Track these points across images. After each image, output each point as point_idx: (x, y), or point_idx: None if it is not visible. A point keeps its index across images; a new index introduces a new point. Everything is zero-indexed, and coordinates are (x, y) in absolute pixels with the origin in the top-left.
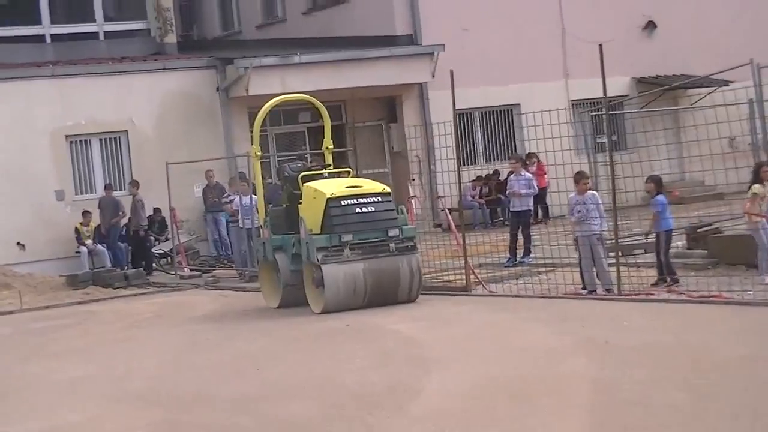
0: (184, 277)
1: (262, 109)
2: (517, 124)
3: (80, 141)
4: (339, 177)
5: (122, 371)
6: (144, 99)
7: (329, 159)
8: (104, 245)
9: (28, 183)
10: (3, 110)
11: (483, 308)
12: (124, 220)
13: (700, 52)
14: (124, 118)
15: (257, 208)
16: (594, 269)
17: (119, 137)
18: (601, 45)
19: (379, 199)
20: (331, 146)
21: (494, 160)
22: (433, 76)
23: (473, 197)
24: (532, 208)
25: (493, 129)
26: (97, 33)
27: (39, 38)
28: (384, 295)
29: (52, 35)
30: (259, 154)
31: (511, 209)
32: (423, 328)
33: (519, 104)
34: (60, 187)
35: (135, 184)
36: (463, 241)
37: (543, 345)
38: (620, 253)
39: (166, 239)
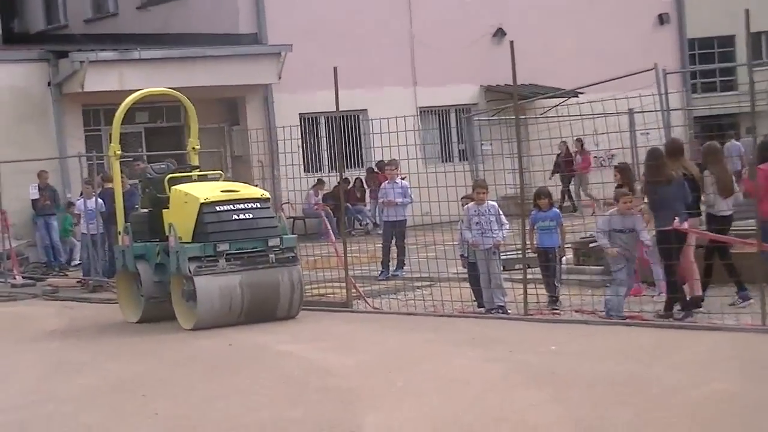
0: (16, 286)
1: (123, 103)
2: (365, 131)
3: None
4: (209, 180)
5: None
6: None
7: (196, 160)
8: None
9: None
10: None
11: (375, 327)
12: None
13: (550, 62)
14: None
15: (109, 213)
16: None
17: None
18: None
19: (258, 205)
20: (198, 146)
21: (337, 168)
22: (280, 78)
23: (316, 205)
24: (407, 218)
25: (339, 135)
26: None
27: None
28: (262, 310)
29: None
30: (118, 153)
31: (384, 219)
32: (320, 350)
33: (366, 110)
34: None
35: None
36: (345, 251)
37: (479, 375)
38: (523, 268)
39: None
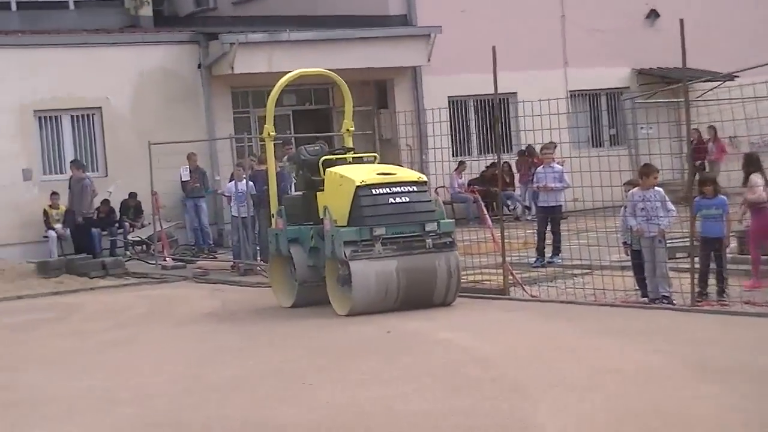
0: (166, 268)
1: (278, 84)
2: (513, 114)
3: (50, 117)
4: (363, 163)
5: (134, 386)
6: (120, 74)
7: (350, 142)
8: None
9: None
10: None
11: (533, 315)
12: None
13: (704, 44)
14: (98, 95)
15: (259, 196)
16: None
17: (92, 114)
18: None
19: (415, 188)
20: (352, 128)
21: (489, 152)
22: (429, 60)
23: (464, 189)
24: (563, 204)
25: (488, 119)
26: (66, 2)
27: (4, 5)
28: (418, 297)
29: (17, 2)
30: (273, 134)
31: (539, 204)
32: (479, 338)
33: (516, 93)
34: (27, 166)
35: (77, 164)
36: (502, 237)
37: (642, 366)
38: (690, 257)
39: (142, 226)
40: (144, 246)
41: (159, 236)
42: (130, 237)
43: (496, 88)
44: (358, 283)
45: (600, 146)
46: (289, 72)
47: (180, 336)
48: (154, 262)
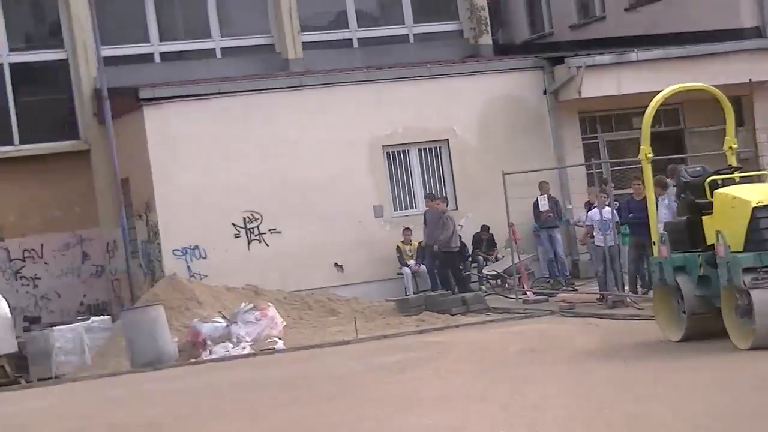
0: (528, 302)
1: (653, 101)
2: None
3: (398, 152)
4: (752, 182)
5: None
6: (466, 104)
7: (734, 161)
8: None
9: (345, 199)
10: (318, 119)
11: None
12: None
13: None
14: (445, 126)
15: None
16: None
17: (439, 147)
18: None
19: None
20: (735, 146)
21: None
22: None
23: None
24: None
25: None
26: (407, 35)
27: (346, 42)
28: None
29: (359, 39)
30: (650, 156)
31: None
32: None
33: None
34: (378, 203)
35: (431, 197)
36: None
37: None
38: None
39: (496, 259)
40: (499, 280)
41: (518, 269)
42: (485, 271)
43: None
44: (761, 313)
45: None
46: (637, 93)
47: (578, 374)
48: (513, 296)
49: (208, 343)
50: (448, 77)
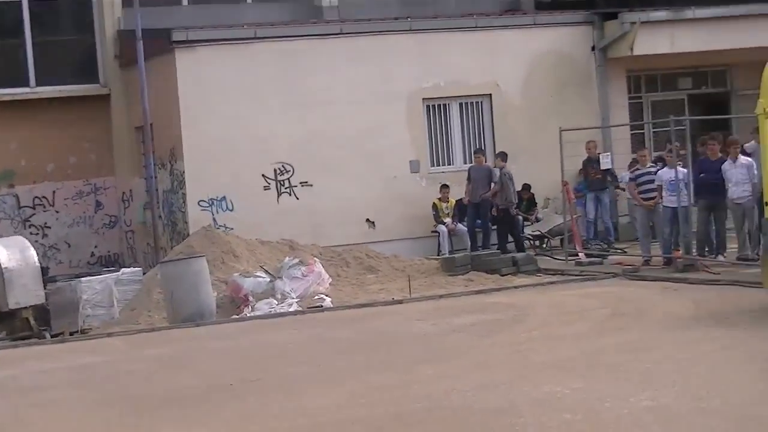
0: (581, 264)
1: None
2: None
3: (438, 105)
4: None
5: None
6: (510, 59)
7: None
8: (464, 223)
9: (380, 153)
10: (356, 69)
11: None
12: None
13: None
14: (488, 81)
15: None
16: None
17: (481, 102)
18: None
19: None
20: None
21: None
22: None
23: None
24: None
25: None
26: None
27: None
28: None
29: None
30: None
31: None
32: None
33: None
34: (415, 158)
35: (503, 156)
36: None
37: None
38: None
39: (537, 219)
40: (542, 240)
41: (570, 229)
42: (528, 231)
43: None
44: None
45: None
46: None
47: (696, 342)
48: (563, 258)
49: (251, 299)
50: (494, 30)
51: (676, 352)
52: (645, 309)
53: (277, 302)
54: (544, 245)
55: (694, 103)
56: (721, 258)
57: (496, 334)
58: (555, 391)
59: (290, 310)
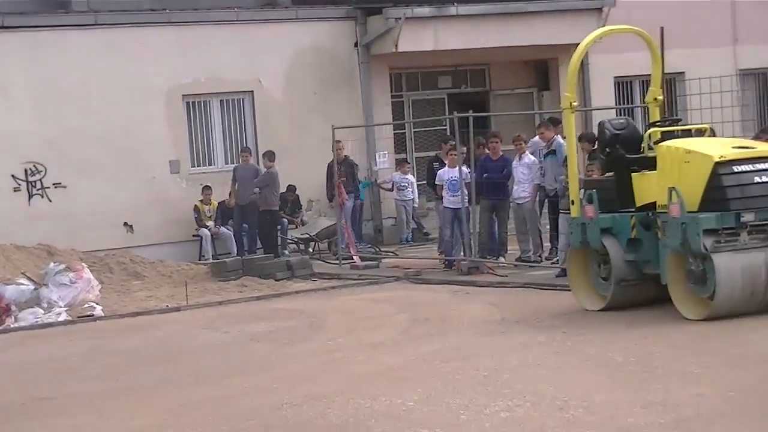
0: (357, 268)
1: (581, 45)
2: (680, 93)
3: (199, 102)
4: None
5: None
6: (272, 55)
7: (657, 114)
8: (227, 227)
9: (139, 152)
10: (110, 63)
11: None
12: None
13: None
14: (249, 77)
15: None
16: None
17: (243, 99)
18: None
19: None
20: (661, 97)
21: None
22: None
23: None
24: None
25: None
26: None
27: None
28: None
29: None
30: (574, 104)
31: None
32: None
33: (683, 72)
34: (175, 157)
35: (271, 155)
36: None
37: None
38: None
39: (303, 223)
40: (308, 244)
41: (345, 232)
42: (295, 234)
43: (662, 69)
44: (723, 280)
45: None
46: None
47: (524, 347)
48: (337, 261)
49: (13, 308)
50: (255, 23)
51: (507, 358)
52: (446, 314)
53: (43, 311)
54: (311, 249)
55: (454, 103)
56: (501, 260)
57: (298, 342)
58: (396, 403)
59: (59, 319)
